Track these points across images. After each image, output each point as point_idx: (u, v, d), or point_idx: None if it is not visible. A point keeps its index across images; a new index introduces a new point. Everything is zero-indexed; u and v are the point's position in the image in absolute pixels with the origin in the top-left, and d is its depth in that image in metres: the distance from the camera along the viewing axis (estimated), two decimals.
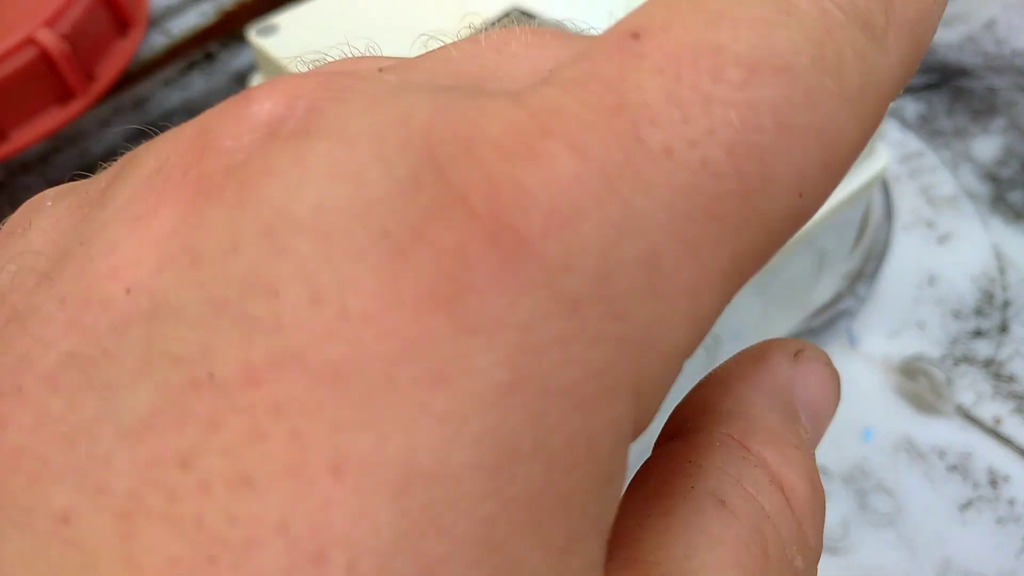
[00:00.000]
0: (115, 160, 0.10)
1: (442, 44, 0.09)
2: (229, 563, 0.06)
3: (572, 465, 0.07)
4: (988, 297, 0.29)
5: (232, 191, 0.07)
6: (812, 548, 0.10)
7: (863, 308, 0.29)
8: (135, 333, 0.07)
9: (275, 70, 0.24)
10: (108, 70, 0.33)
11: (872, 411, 0.27)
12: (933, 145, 0.33)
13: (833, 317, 0.28)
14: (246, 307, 0.07)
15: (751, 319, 0.25)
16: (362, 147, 0.07)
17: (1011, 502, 0.25)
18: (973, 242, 0.30)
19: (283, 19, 0.24)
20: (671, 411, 0.11)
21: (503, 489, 0.06)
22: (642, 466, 0.10)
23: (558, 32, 0.09)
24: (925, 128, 0.34)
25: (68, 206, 0.09)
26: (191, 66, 0.39)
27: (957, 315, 0.29)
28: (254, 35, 0.24)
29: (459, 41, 0.09)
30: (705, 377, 0.11)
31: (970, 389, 0.27)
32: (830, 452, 0.26)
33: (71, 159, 0.37)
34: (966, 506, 0.25)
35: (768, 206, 0.07)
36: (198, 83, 0.39)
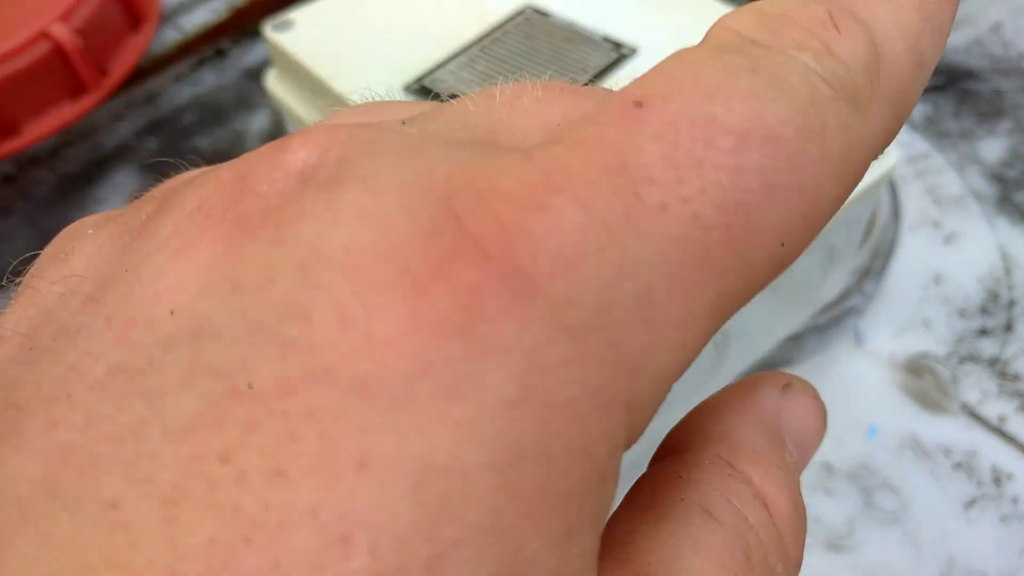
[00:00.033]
0: (146, 190, 0.10)
1: (460, 97, 0.10)
2: (263, 543, 0.07)
3: (571, 467, 0.08)
4: (994, 296, 0.29)
5: (269, 230, 0.08)
6: (793, 558, 0.11)
7: (869, 306, 0.29)
8: (179, 348, 0.08)
9: (290, 65, 0.24)
10: (120, 65, 0.34)
11: (877, 409, 0.27)
12: (940, 146, 0.33)
13: (840, 314, 0.28)
14: (282, 329, 0.07)
15: (759, 316, 0.26)
16: (388, 196, 0.08)
17: (1015, 500, 0.25)
18: (979, 242, 0.30)
19: (299, 15, 0.25)
20: (666, 434, 0.12)
21: (510, 485, 0.07)
22: (637, 481, 0.11)
23: (567, 87, 0.10)
24: (932, 129, 0.34)
25: (109, 235, 0.10)
26: (202, 62, 0.39)
27: (963, 314, 0.29)
28: (270, 30, 0.24)
29: (475, 95, 0.10)
30: (698, 405, 0.12)
31: (975, 387, 0.27)
32: (835, 449, 0.26)
33: (82, 153, 0.37)
34: (970, 504, 0.25)
35: (751, 254, 0.08)
36: (209, 79, 0.39)
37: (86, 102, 0.33)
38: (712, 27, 0.09)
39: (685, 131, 0.08)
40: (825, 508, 0.26)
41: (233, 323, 0.08)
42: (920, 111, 0.34)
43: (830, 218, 0.09)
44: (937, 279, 0.30)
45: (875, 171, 0.23)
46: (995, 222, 0.31)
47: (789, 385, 0.12)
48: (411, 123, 0.09)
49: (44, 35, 0.30)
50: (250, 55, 0.40)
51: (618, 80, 0.23)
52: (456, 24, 0.24)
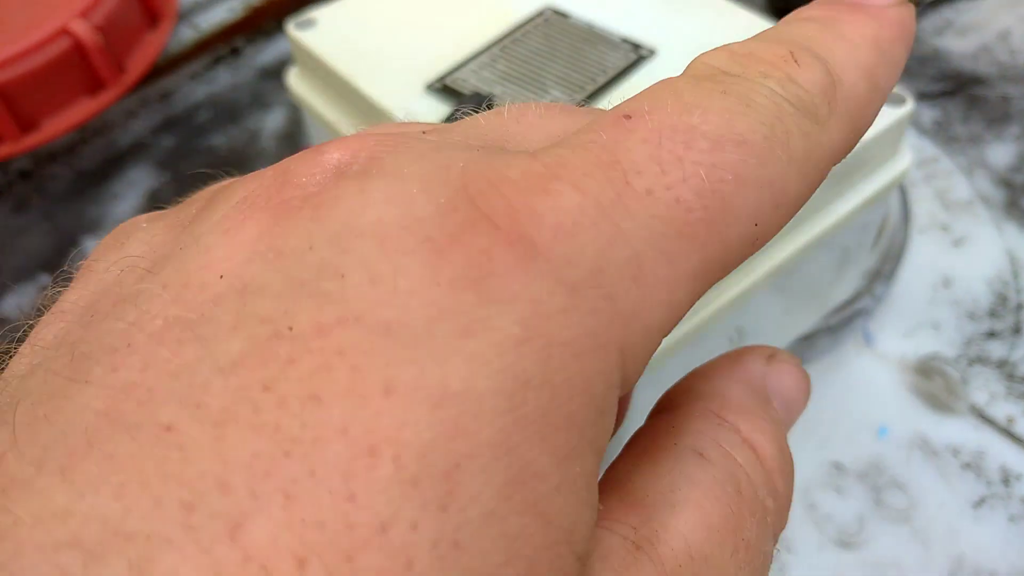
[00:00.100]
0: (161, 187, 0.11)
1: (472, 115, 0.12)
2: (300, 455, 0.08)
3: (571, 397, 0.09)
4: (1002, 300, 0.29)
5: (308, 211, 0.09)
6: (782, 495, 0.12)
7: (879, 308, 0.29)
8: (228, 302, 0.09)
9: (312, 63, 0.25)
10: (138, 62, 0.34)
11: (887, 409, 0.28)
12: (948, 151, 0.34)
13: (850, 316, 0.29)
14: (319, 284, 0.09)
15: (773, 315, 0.26)
16: (411, 183, 0.09)
17: (1023, 500, 0.25)
18: (987, 246, 0.31)
19: (322, 14, 0.25)
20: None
21: (517, 408, 0.08)
22: (634, 433, 0.12)
23: (566, 107, 0.12)
24: (941, 134, 0.34)
25: (162, 227, 0.11)
26: (217, 60, 0.40)
27: (971, 316, 0.29)
28: (293, 28, 0.24)
29: (486, 113, 0.12)
30: (689, 372, 0.13)
31: (984, 389, 0.27)
32: (846, 449, 0.27)
33: (98, 150, 0.37)
34: (979, 503, 0.25)
35: (728, 230, 0.10)
36: (223, 77, 0.39)
37: (104, 98, 0.33)
38: (689, 64, 0.11)
39: (667, 136, 0.10)
40: (835, 506, 0.26)
41: (276, 281, 0.09)
42: (929, 116, 0.34)
43: (799, 207, 0.11)
44: (946, 282, 0.30)
45: (890, 172, 0.23)
46: (1003, 226, 0.31)
47: (773, 355, 0.13)
48: (430, 133, 0.11)
49: (64, 31, 0.31)
50: (265, 54, 0.40)
51: (637, 80, 0.23)
52: (477, 24, 0.24)
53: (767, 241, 0.10)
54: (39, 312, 0.10)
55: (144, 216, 0.11)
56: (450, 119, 0.21)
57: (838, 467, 0.27)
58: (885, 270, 0.30)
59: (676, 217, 0.09)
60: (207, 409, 0.08)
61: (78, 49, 0.31)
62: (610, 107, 0.11)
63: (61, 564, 0.07)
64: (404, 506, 0.08)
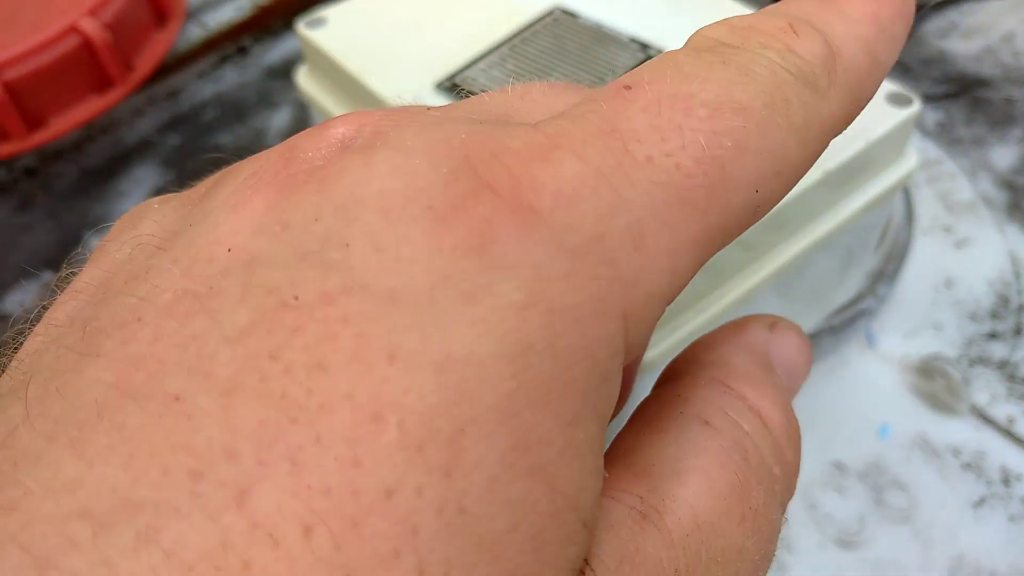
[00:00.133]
0: (167, 185, 0.12)
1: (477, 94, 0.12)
2: (306, 422, 0.08)
3: (574, 362, 0.09)
4: (1004, 301, 0.30)
5: (314, 184, 0.09)
6: (789, 462, 0.12)
7: (882, 308, 0.30)
8: (236, 274, 0.09)
9: (322, 61, 0.25)
10: (146, 61, 0.34)
11: (888, 409, 0.28)
12: (952, 153, 0.34)
13: (853, 316, 0.29)
14: (324, 255, 0.09)
15: (778, 315, 0.26)
16: (415, 154, 0.09)
17: (1023, 500, 0.25)
18: (990, 247, 0.31)
19: (332, 12, 0.25)
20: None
21: (520, 373, 0.08)
22: (640, 404, 0.12)
23: (570, 85, 0.12)
24: (944, 136, 0.34)
25: (173, 206, 0.11)
26: (224, 59, 0.40)
27: (973, 317, 0.29)
28: (303, 27, 0.25)
29: (490, 91, 0.12)
30: (693, 342, 0.13)
31: (985, 390, 0.28)
32: (847, 448, 0.27)
33: (104, 148, 0.37)
34: (979, 503, 0.25)
35: (729, 197, 0.10)
36: (230, 76, 0.39)
37: (112, 96, 0.33)
38: (690, 37, 0.11)
39: (667, 104, 0.10)
40: (836, 505, 0.26)
41: (282, 252, 0.09)
42: (933, 118, 0.35)
43: (800, 176, 0.11)
44: (948, 283, 0.30)
45: (896, 173, 0.23)
46: (1005, 228, 0.31)
47: (775, 324, 0.13)
48: (434, 110, 0.11)
49: (73, 29, 0.31)
50: (271, 54, 0.40)
51: None
52: (486, 23, 0.24)
53: (769, 210, 0.10)
54: (53, 293, 0.10)
55: (156, 199, 0.11)
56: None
57: (839, 467, 0.27)
58: (888, 271, 0.30)
59: (676, 184, 0.09)
60: (215, 378, 0.08)
61: (87, 47, 0.31)
62: None
63: (70, 534, 0.07)
64: (409, 472, 0.08)
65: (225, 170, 0.11)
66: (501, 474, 0.08)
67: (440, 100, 0.23)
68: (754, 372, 0.12)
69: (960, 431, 0.27)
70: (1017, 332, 0.29)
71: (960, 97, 0.35)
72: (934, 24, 0.38)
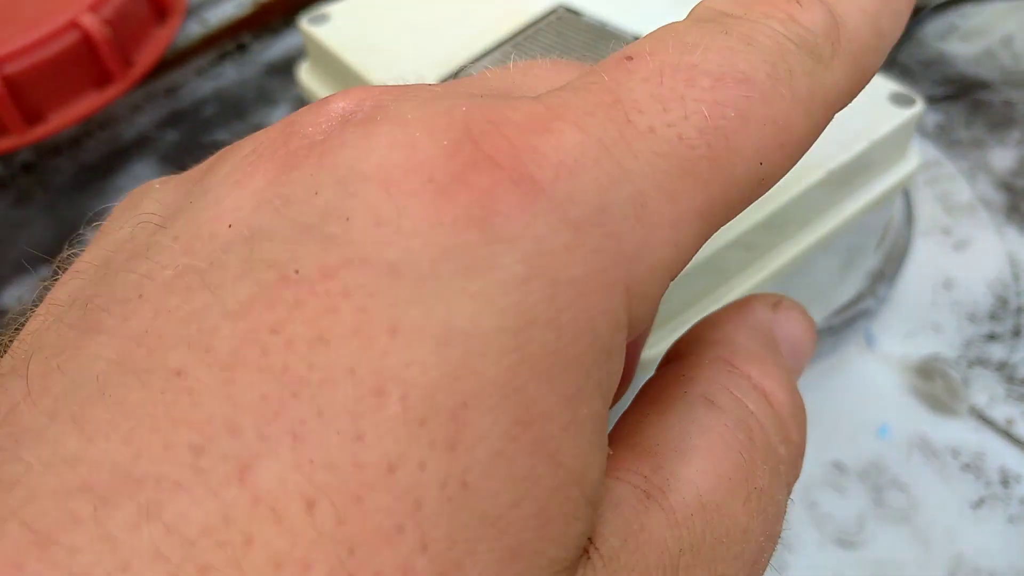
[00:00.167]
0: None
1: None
2: (308, 395, 0.08)
3: (577, 336, 0.09)
4: (1002, 302, 0.30)
5: (314, 158, 0.09)
6: (794, 442, 0.12)
7: (881, 309, 0.30)
8: (237, 249, 0.09)
9: (325, 58, 0.25)
10: (146, 56, 0.34)
11: (888, 410, 0.28)
12: (951, 155, 0.34)
13: (853, 317, 0.29)
14: (325, 228, 0.08)
15: None
16: (415, 127, 0.09)
17: (1022, 501, 0.25)
18: (988, 249, 0.31)
19: (335, 9, 0.25)
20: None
21: (523, 347, 0.08)
22: (644, 384, 0.12)
23: (572, 63, 0.12)
24: (943, 138, 0.34)
25: (174, 185, 0.11)
26: (223, 56, 0.40)
27: (972, 319, 0.29)
28: (306, 23, 0.25)
29: (492, 68, 0.12)
30: (696, 322, 0.13)
31: (984, 391, 0.28)
32: (847, 448, 0.27)
33: (102, 143, 0.37)
34: (978, 504, 0.26)
35: (733, 169, 0.10)
36: (230, 73, 0.39)
37: (111, 92, 0.33)
38: (692, 8, 0.11)
39: (669, 74, 0.10)
40: (836, 505, 0.26)
41: (283, 226, 0.09)
42: (932, 120, 0.35)
43: (805, 148, 0.10)
44: (947, 284, 0.30)
45: (898, 173, 0.23)
46: (1004, 230, 0.32)
47: (779, 303, 0.13)
48: (435, 85, 0.11)
49: (74, 24, 0.31)
50: (271, 51, 0.40)
51: None
52: (490, 21, 0.24)
53: (773, 183, 0.10)
54: (55, 275, 0.10)
55: (157, 180, 0.11)
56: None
57: (839, 467, 0.27)
58: (888, 272, 0.30)
59: (679, 154, 0.09)
60: (216, 353, 0.08)
61: (87, 42, 0.31)
62: None
63: (71, 509, 0.07)
64: (412, 446, 0.08)
65: (226, 148, 0.11)
66: (504, 449, 0.08)
67: None
68: (758, 351, 0.12)
69: (959, 432, 0.27)
70: (1016, 334, 0.29)
71: (960, 99, 0.36)
72: (934, 26, 0.39)
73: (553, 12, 0.25)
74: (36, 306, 0.10)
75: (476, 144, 0.09)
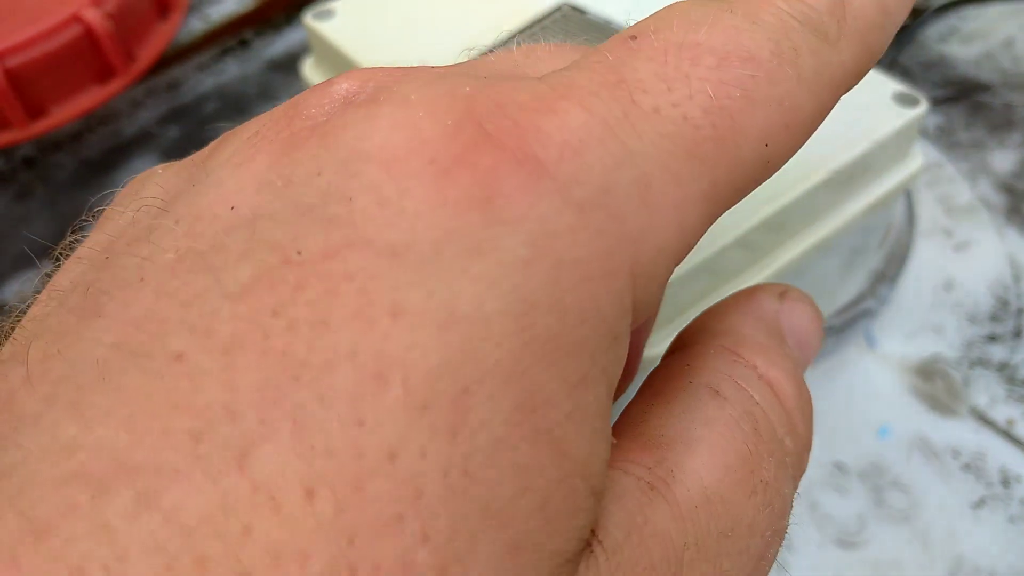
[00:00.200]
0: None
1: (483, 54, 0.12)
2: (308, 380, 0.08)
3: (581, 320, 0.08)
4: (1003, 304, 0.30)
5: (316, 139, 0.09)
6: (801, 435, 0.11)
7: (882, 310, 0.30)
8: (239, 231, 0.09)
9: (330, 53, 0.25)
10: (148, 52, 0.34)
11: (888, 410, 0.28)
12: (952, 157, 0.34)
13: (854, 317, 0.29)
14: (327, 209, 0.08)
15: None
16: (418, 107, 0.09)
17: (1023, 502, 0.25)
18: (989, 251, 0.31)
19: (340, 5, 0.25)
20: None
21: (526, 331, 0.08)
22: (649, 374, 0.12)
23: (576, 46, 0.12)
24: (944, 140, 0.34)
25: (176, 170, 0.11)
26: (225, 52, 0.40)
27: (973, 320, 0.29)
28: (311, 19, 0.25)
29: (496, 52, 0.12)
30: (702, 312, 0.13)
31: (984, 392, 0.28)
32: (847, 448, 0.27)
33: (103, 139, 0.37)
34: (979, 504, 0.26)
35: (738, 150, 0.10)
36: (231, 69, 0.39)
37: (113, 87, 0.33)
38: None
39: (673, 53, 0.10)
40: (836, 505, 0.26)
41: (285, 207, 0.09)
42: (933, 122, 0.35)
43: (811, 130, 0.10)
44: (948, 285, 0.30)
45: (899, 176, 0.23)
46: (1005, 232, 0.32)
47: (785, 293, 0.13)
48: (438, 68, 0.11)
49: (76, 18, 0.31)
50: (272, 47, 0.40)
51: None
52: (494, 18, 0.24)
53: (780, 166, 0.10)
54: (57, 261, 0.10)
55: (160, 165, 0.11)
56: None
57: (839, 467, 0.27)
58: (889, 272, 0.30)
59: (684, 135, 0.09)
60: (217, 336, 0.08)
61: (89, 36, 0.31)
62: None
63: (69, 497, 0.07)
64: (413, 432, 0.07)
65: (229, 132, 0.11)
66: (507, 436, 0.08)
67: None
68: (765, 341, 0.12)
69: (960, 432, 0.27)
70: (1016, 335, 0.29)
71: (960, 101, 0.36)
72: (935, 29, 0.39)
73: (557, 10, 0.25)
74: (38, 293, 0.10)
75: (479, 124, 0.09)
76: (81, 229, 0.11)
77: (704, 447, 0.10)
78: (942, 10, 0.39)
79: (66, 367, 0.08)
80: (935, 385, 0.28)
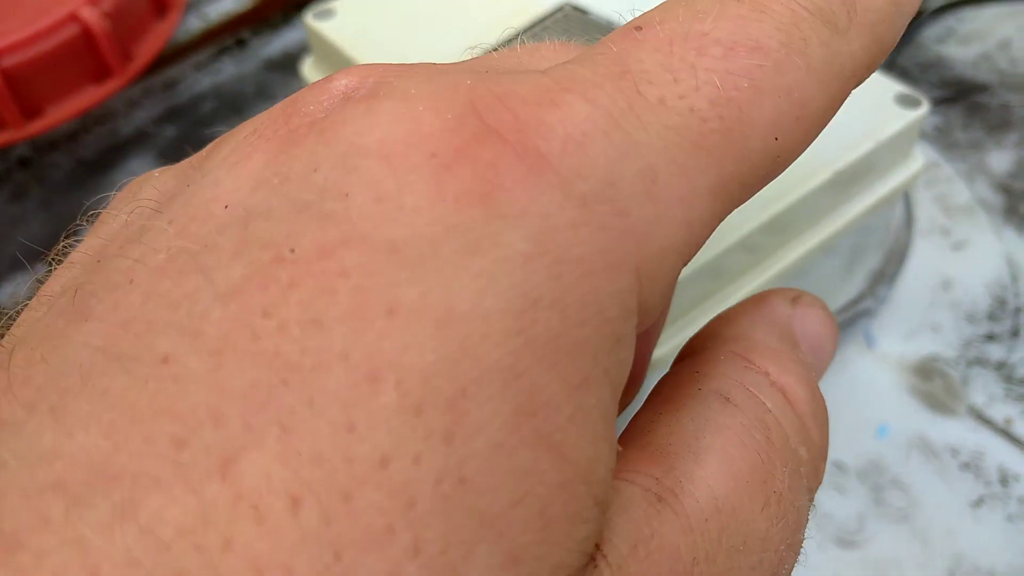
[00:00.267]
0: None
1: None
2: (298, 383, 0.07)
3: (584, 319, 0.08)
4: (1001, 303, 0.30)
5: (314, 135, 0.09)
6: (816, 444, 0.11)
7: (880, 309, 0.30)
8: (232, 230, 0.08)
9: (330, 53, 0.25)
10: (145, 51, 0.34)
11: (887, 409, 0.28)
12: (949, 157, 0.34)
13: (853, 317, 0.29)
14: (323, 206, 0.08)
15: None
16: (418, 101, 0.09)
17: (1021, 500, 0.26)
18: (986, 250, 0.31)
19: (340, 4, 0.25)
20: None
21: (526, 329, 0.08)
22: (658, 382, 0.12)
23: (581, 45, 0.11)
24: (942, 140, 0.35)
25: (173, 172, 0.10)
26: (222, 51, 0.40)
27: (971, 319, 0.29)
28: (311, 18, 0.24)
29: (500, 50, 0.11)
30: (712, 318, 0.13)
31: (982, 391, 0.28)
32: (846, 448, 0.27)
33: (99, 139, 0.37)
34: (978, 503, 0.26)
35: (747, 143, 0.09)
36: (228, 68, 0.39)
37: (110, 86, 0.33)
38: None
39: (679, 43, 0.09)
40: (836, 504, 0.26)
41: (280, 205, 0.08)
42: (931, 122, 0.35)
43: (822, 124, 0.10)
44: (946, 285, 0.30)
45: (901, 177, 0.23)
46: (1002, 231, 0.32)
47: (798, 298, 0.13)
48: (442, 63, 0.11)
49: (73, 18, 0.30)
50: (269, 46, 0.40)
51: None
52: (496, 18, 0.24)
53: (789, 162, 0.10)
54: (50, 265, 0.10)
55: (157, 169, 0.11)
56: None
57: (839, 466, 0.27)
58: (888, 272, 0.30)
59: (690, 127, 0.09)
60: (205, 338, 0.08)
61: (86, 36, 0.31)
62: None
63: (42, 509, 0.07)
64: (406, 437, 0.07)
65: (227, 132, 0.10)
66: (505, 440, 0.07)
67: None
68: (777, 347, 0.12)
69: (958, 431, 0.27)
70: (1014, 334, 0.29)
71: (958, 102, 0.36)
72: (932, 30, 0.39)
73: (559, 10, 0.25)
74: (30, 299, 0.10)
75: (481, 118, 0.09)
76: (75, 233, 0.10)
77: (714, 456, 0.10)
78: (939, 11, 0.39)
79: (50, 371, 0.08)
80: (934, 384, 0.28)
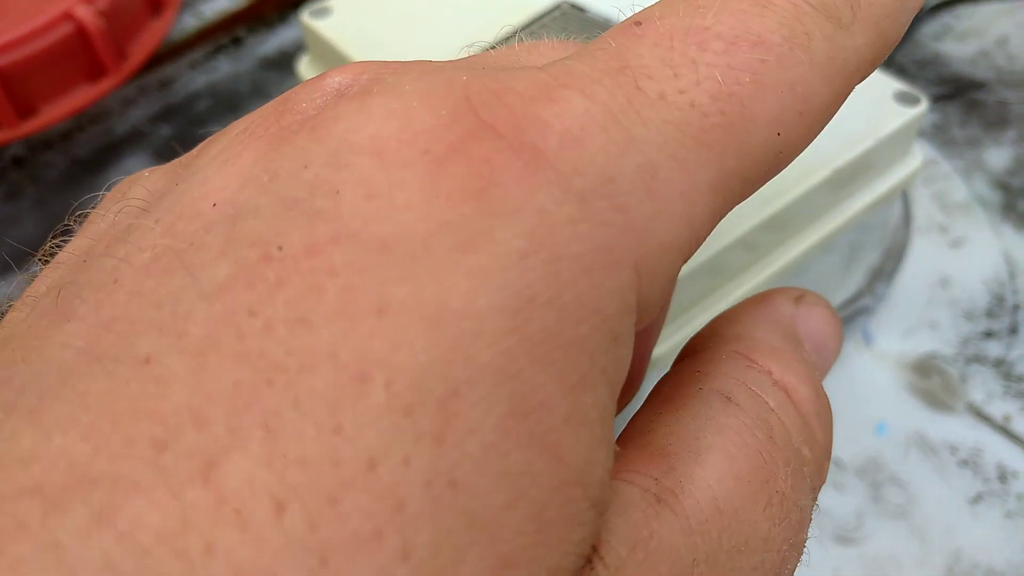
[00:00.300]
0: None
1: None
2: (284, 383, 0.07)
3: (581, 317, 0.08)
4: (999, 300, 0.30)
5: (305, 133, 0.09)
6: (820, 443, 0.11)
7: (879, 307, 0.30)
8: (219, 228, 0.08)
9: (326, 51, 0.24)
10: (140, 49, 0.34)
11: (886, 407, 0.28)
12: (947, 154, 0.34)
13: (851, 314, 0.29)
14: (313, 203, 0.08)
15: None
16: (412, 98, 0.09)
17: (1020, 497, 0.26)
18: (984, 247, 0.31)
19: (336, 2, 0.25)
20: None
21: (522, 328, 0.08)
22: (658, 381, 0.11)
23: (579, 44, 0.11)
24: (939, 137, 0.35)
25: (163, 172, 0.10)
26: (218, 50, 0.39)
27: (969, 316, 0.30)
28: (307, 16, 0.24)
29: (498, 48, 0.11)
30: (714, 317, 0.12)
31: (981, 388, 0.28)
32: (845, 445, 0.27)
33: (94, 138, 0.37)
34: (976, 500, 0.26)
35: (748, 138, 0.09)
36: (224, 67, 0.39)
37: (104, 85, 0.33)
38: None
39: (680, 38, 0.09)
40: (834, 501, 0.26)
41: (269, 202, 0.08)
42: (928, 119, 0.35)
43: (826, 119, 0.10)
44: (944, 282, 0.31)
45: (899, 174, 0.23)
46: (1000, 228, 0.32)
47: (802, 297, 0.12)
48: (437, 61, 0.10)
49: (67, 16, 0.30)
50: (265, 45, 0.40)
51: None
52: (494, 16, 0.24)
53: (792, 158, 0.10)
54: (38, 264, 0.10)
55: (147, 168, 0.11)
56: None
57: (837, 463, 0.27)
58: (887, 269, 0.30)
59: (691, 123, 0.09)
60: (188, 338, 0.07)
61: (80, 34, 0.31)
62: None
63: (18, 514, 0.07)
64: (396, 439, 0.07)
65: (218, 132, 0.10)
66: (498, 442, 0.07)
67: None
68: (780, 346, 0.11)
69: (957, 428, 0.27)
70: (1012, 331, 0.29)
71: (955, 99, 0.36)
72: (930, 27, 0.39)
73: (557, 8, 0.25)
74: (15, 302, 0.09)
75: (476, 114, 0.08)
76: (64, 233, 0.10)
77: (715, 456, 0.10)
78: (937, 8, 0.39)
79: (30, 373, 0.08)
80: (932, 381, 0.28)
